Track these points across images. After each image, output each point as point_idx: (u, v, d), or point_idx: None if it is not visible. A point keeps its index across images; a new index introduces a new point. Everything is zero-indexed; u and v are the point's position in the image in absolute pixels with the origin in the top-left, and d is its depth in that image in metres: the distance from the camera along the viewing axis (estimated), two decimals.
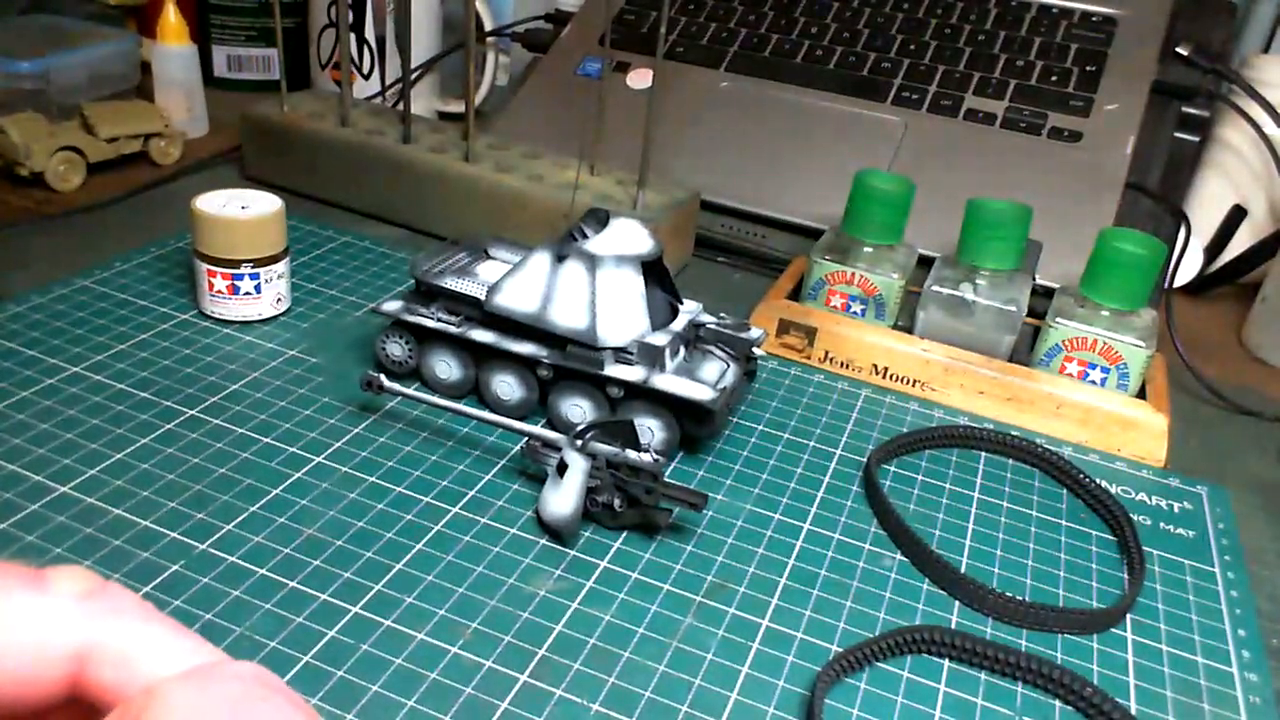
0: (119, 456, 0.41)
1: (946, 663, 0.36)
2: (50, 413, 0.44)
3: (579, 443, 0.40)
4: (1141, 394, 0.52)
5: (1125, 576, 0.42)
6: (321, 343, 0.52)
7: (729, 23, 0.78)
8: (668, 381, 0.44)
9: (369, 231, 0.66)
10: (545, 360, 0.45)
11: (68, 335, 0.49)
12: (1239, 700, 0.36)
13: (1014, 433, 0.51)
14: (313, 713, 0.15)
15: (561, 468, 0.40)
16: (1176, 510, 0.47)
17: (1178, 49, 0.72)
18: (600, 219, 0.47)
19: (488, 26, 0.86)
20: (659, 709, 0.33)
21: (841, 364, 0.55)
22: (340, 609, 0.35)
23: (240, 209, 0.50)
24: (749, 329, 0.49)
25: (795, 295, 0.58)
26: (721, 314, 0.50)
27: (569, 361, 0.45)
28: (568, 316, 0.44)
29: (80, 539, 0.37)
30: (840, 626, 0.37)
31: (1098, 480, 0.47)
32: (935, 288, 0.54)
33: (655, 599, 0.37)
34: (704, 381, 0.44)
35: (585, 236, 0.46)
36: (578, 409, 0.46)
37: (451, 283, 0.47)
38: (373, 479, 0.42)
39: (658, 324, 0.46)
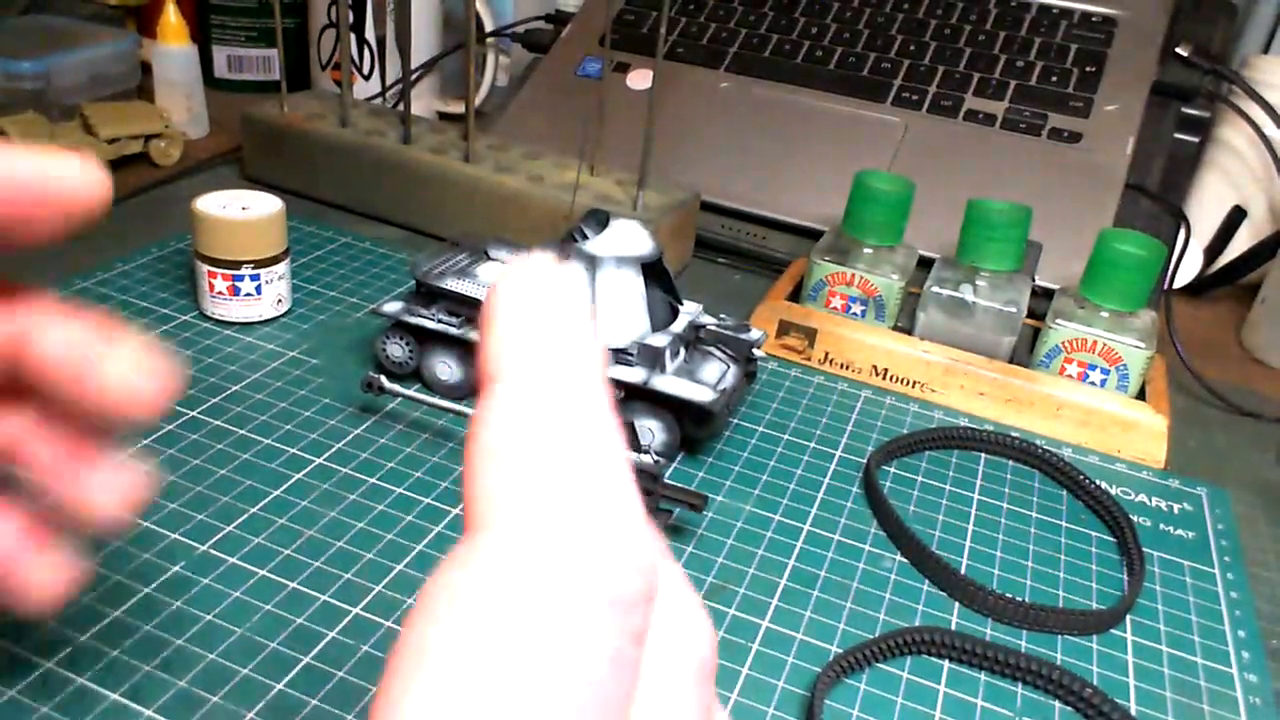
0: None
1: (946, 663, 0.36)
2: None
3: None
4: (1141, 395, 0.52)
5: (1125, 577, 0.42)
6: (322, 344, 0.52)
7: (729, 23, 0.78)
8: (668, 383, 0.44)
9: (369, 232, 0.66)
10: None
11: None
12: (1239, 701, 0.36)
13: (1014, 434, 0.51)
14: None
15: None
16: (1176, 511, 0.47)
17: (1178, 49, 0.72)
18: (600, 220, 0.47)
19: (488, 27, 0.86)
20: None
21: (841, 365, 0.55)
22: (341, 610, 0.35)
23: (240, 210, 0.50)
24: (749, 330, 0.49)
25: (795, 296, 0.58)
26: (722, 315, 0.50)
27: None
28: None
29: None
30: (840, 627, 0.37)
31: (1097, 481, 0.47)
32: (935, 289, 0.54)
33: None
34: (704, 383, 0.44)
35: (585, 237, 0.46)
36: None
37: (452, 283, 0.47)
38: (373, 480, 0.42)
39: (658, 325, 0.46)
